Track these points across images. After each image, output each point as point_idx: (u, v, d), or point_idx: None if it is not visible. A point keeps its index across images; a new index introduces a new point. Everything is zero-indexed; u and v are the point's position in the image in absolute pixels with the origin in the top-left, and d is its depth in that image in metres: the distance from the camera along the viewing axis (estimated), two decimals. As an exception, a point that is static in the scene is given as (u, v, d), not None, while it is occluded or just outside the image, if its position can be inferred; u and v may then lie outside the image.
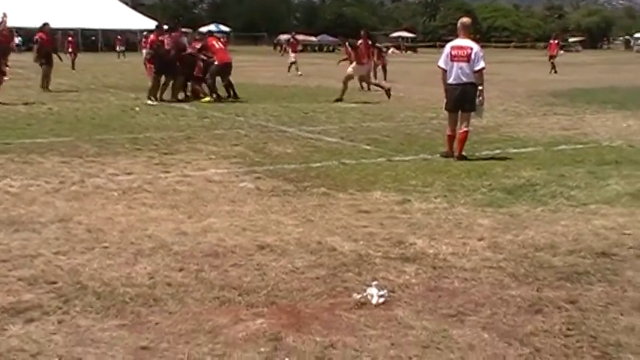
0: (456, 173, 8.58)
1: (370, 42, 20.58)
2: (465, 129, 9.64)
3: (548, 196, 7.39)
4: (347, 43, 19.92)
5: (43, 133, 11.99)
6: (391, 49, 70.75)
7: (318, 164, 9.19)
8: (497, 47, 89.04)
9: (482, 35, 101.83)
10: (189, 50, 17.78)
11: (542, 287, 4.76)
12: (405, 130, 12.58)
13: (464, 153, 9.63)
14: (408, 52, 78.74)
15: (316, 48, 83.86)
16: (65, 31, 45.24)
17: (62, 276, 4.89)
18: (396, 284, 4.79)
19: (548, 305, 4.44)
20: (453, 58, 9.52)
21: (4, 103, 16.50)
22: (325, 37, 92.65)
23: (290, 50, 31.99)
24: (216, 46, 18.12)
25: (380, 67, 26.27)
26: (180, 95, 17.76)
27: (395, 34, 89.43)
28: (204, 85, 17.86)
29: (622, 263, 5.28)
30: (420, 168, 8.95)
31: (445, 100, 9.83)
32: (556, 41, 35.81)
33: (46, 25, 20.68)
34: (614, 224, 6.31)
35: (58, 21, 56.40)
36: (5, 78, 17.71)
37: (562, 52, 64.37)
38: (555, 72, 32.56)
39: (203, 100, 17.21)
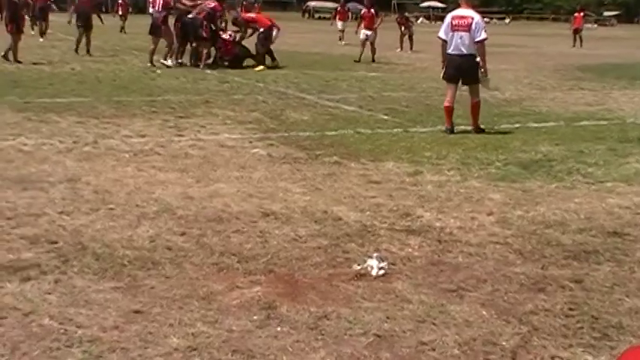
0: (472, 146, 8.43)
1: (374, 10, 21.08)
2: (476, 99, 9.43)
3: (564, 173, 7.22)
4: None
5: (64, 92, 12.01)
6: (420, 19, 69.93)
7: (333, 133, 9.09)
8: (531, 19, 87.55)
9: (515, 7, 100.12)
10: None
11: (547, 265, 4.65)
12: (425, 101, 12.40)
13: (482, 126, 9.44)
14: (438, 22, 77.69)
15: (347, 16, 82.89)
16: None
17: (64, 236, 4.88)
18: (398, 257, 4.71)
19: (552, 284, 4.34)
20: (453, 27, 9.25)
21: (20, 62, 16.51)
22: (355, 6, 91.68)
23: (338, 18, 30.86)
24: (253, 16, 18.11)
25: (407, 36, 25.94)
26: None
27: (425, 4, 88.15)
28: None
29: (633, 243, 5.13)
30: (435, 140, 8.81)
31: (443, 70, 9.58)
32: (581, 14, 34.96)
33: None
34: (629, 203, 6.15)
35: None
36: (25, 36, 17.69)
37: (596, 25, 63.17)
38: (581, 45, 31.87)
39: (257, 69, 16.96)
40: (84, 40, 19.48)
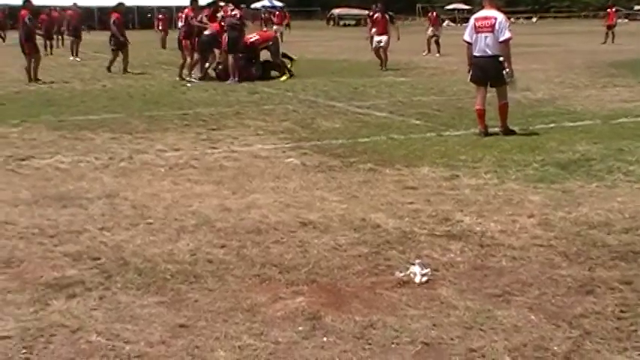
0: (507, 148, 8.35)
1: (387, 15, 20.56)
2: (503, 101, 9.29)
3: (604, 172, 7.11)
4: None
5: (96, 110, 12.14)
6: (446, 22, 69.64)
7: (366, 139, 9.06)
8: (558, 17, 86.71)
9: (542, 6, 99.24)
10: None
11: (594, 267, 4.57)
12: (456, 104, 12.31)
13: (512, 127, 9.35)
14: (463, 24, 77.35)
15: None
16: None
17: (106, 252, 4.91)
18: (440, 263, 4.66)
19: (601, 286, 4.26)
20: (477, 29, 9.15)
21: (40, 80, 16.68)
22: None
23: (429, 23, 27.72)
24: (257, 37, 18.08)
25: (433, 40, 25.81)
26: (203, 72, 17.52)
27: (450, 6, 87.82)
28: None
29: (681, 242, 5.03)
30: (470, 143, 8.74)
31: (470, 73, 9.50)
32: (614, 9, 34.52)
33: (121, 5, 20.23)
34: (673, 201, 6.03)
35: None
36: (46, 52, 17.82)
37: (626, 20, 62.27)
38: (612, 41, 31.45)
39: (282, 79, 17.00)
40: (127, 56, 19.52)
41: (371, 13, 21.06)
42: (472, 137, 9.13)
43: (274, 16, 38.43)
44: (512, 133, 9.23)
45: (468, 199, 6.17)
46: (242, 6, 18.34)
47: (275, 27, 34.57)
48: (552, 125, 10.04)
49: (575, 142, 8.65)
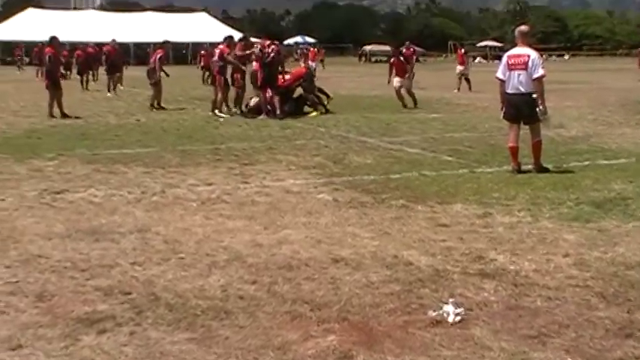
0: (541, 186, 8.24)
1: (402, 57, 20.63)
2: (537, 138, 9.17)
3: (640, 211, 6.98)
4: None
5: (130, 143, 12.29)
6: (478, 59, 69.72)
7: (398, 175, 9.02)
8: (590, 55, 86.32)
9: (574, 43, 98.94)
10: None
11: (633, 309, 4.45)
12: (489, 141, 12.24)
13: (546, 165, 9.24)
14: (495, 61, 77.31)
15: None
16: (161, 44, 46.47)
17: (137, 287, 4.91)
18: (474, 302, 4.58)
19: (640, 329, 4.14)
20: (510, 67, 9.12)
21: (67, 115, 16.92)
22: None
23: (458, 61, 27.04)
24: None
25: (464, 77, 25.79)
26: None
27: (482, 44, 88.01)
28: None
29: None
30: (503, 180, 8.65)
31: (503, 110, 9.41)
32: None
33: (166, 42, 20.50)
34: None
35: (149, 35, 58.24)
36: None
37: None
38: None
39: (311, 115, 17.09)
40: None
41: (392, 60, 20.95)
42: (505, 174, 9.04)
43: (309, 52, 38.89)
44: (546, 170, 9.12)
45: (501, 238, 6.08)
46: (276, 42, 18.49)
47: (310, 63, 34.92)
48: (587, 163, 9.91)
49: (610, 180, 8.52)
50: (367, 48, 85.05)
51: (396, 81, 19.58)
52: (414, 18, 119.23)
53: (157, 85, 19.62)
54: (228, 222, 6.72)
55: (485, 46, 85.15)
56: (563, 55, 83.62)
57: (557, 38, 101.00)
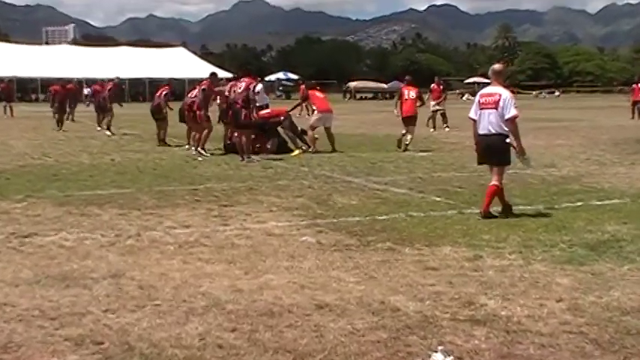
0: (533, 227, 8.29)
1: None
2: (495, 183, 9.06)
3: (635, 253, 7.02)
4: None
5: (104, 184, 12.25)
6: (466, 95, 70.50)
7: (384, 217, 9.05)
8: (581, 92, 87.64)
9: (564, 80, 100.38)
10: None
11: (629, 356, 4.47)
12: (478, 181, 12.28)
13: (492, 210, 9.06)
14: (484, 98, 78.11)
15: (387, 95, 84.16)
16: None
17: (110, 336, 4.86)
18: (464, 350, 4.57)
19: (637, 377, 4.15)
20: (481, 105, 9.10)
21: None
22: (397, 84, 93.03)
23: (431, 96, 26.79)
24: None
25: (440, 113, 25.85)
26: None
27: (470, 80, 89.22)
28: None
29: None
30: (493, 222, 8.70)
31: (476, 153, 9.42)
32: (640, 85, 34.76)
33: (172, 80, 21.11)
34: None
35: (126, 71, 58.46)
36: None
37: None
38: (639, 118, 31.55)
39: (293, 154, 17.13)
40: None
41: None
42: (495, 215, 9.08)
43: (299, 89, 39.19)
44: (490, 216, 8.92)
45: (492, 282, 6.09)
46: (258, 78, 18.63)
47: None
48: (579, 204, 9.99)
49: (604, 221, 8.59)
50: (352, 84, 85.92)
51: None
52: (400, 53, 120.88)
53: (164, 120, 20.43)
54: (207, 266, 6.69)
55: (474, 83, 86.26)
56: (553, 92, 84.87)
57: (548, 75, 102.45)
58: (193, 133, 17.84)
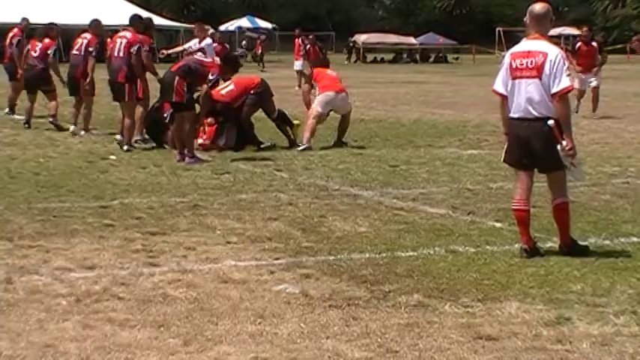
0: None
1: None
2: (561, 200, 9.15)
3: None
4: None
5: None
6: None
7: (411, 253, 9.13)
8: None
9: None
10: None
11: None
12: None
13: (580, 241, 9.28)
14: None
15: (417, 57, 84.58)
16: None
17: None
18: None
19: None
20: (514, 72, 9.01)
21: None
22: (432, 37, 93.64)
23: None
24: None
25: None
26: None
27: (556, 31, 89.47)
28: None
29: None
30: (588, 262, 8.73)
31: (505, 147, 9.42)
32: None
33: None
34: None
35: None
36: None
37: None
38: None
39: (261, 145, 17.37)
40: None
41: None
42: (592, 252, 9.12)
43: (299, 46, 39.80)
44: (582, 250, 9.11)
45: (587, 361, 6.14)
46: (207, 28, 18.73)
47: (296, 62, 36.26)
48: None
49: None
50: (361, 38, 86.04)
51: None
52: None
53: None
54: (123, 333, 6.69)
55: (559, 36, 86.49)
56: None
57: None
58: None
